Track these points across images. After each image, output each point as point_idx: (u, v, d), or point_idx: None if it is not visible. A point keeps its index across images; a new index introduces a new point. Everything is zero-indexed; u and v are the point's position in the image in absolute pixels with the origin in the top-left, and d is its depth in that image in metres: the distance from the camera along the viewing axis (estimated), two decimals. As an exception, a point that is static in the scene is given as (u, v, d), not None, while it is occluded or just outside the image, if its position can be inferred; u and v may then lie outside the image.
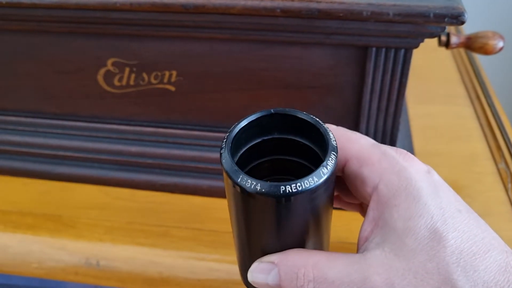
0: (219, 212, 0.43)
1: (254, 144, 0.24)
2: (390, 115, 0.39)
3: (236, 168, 0.21)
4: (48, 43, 0.40)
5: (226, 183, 0.22)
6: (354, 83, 0.38)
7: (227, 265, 0.39)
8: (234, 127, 0.23)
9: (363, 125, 0.40)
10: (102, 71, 0.41)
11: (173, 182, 0.44)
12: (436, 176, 0.22)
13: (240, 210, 0.22)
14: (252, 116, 0.23)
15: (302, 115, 0.23)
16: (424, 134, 0.51)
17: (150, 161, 0.44)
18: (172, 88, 0.41)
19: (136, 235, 0.41)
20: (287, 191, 0.20)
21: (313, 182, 0.20)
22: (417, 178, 0.21)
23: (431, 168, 0.23)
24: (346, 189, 0.25)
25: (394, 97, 0.38)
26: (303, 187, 0.20)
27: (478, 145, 0.50)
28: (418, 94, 0.57)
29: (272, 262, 0.23)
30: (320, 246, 0.25)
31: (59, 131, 0.45)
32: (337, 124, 0.40)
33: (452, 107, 0.55)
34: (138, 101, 0.43)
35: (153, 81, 0.41)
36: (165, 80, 0.41)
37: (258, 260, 0.23)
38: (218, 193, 0.44)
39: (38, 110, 0.45)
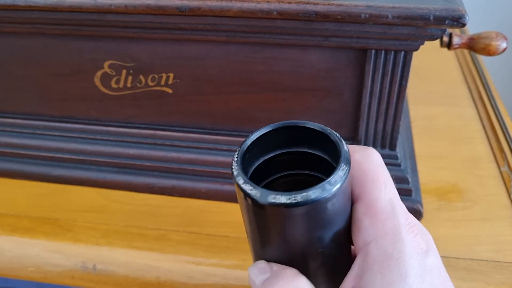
0: (217, 215, 0.42)
1: (267, 159, 0.23)
2: (389, 118, 0.39)
3: (246, 178, 0.20)
4: (45, 46, 0.40)
5: (238, 196, 0.21)
6: (353, 86, 0.38)
7: (224, 269, 0.38)
8: (245, 141, 0.22)
9: (362, 128, 0.39)
10: (99, 73, 0.41)
11: (171, 185, 0.44)
12: (430, 259, 0.21)
13: (252, 220, 0.22)
14: (262, 130, 0.22)
15: (312, 125, 0.22)
16: (425, 136, 0.50)
17: (147, 163, 0.44)
18: (169, 91, 0.41)
19: (133, 239, 0.41)
20: (293, 200, 0.19)
21: (320, 192, 0.19)
22: (410, 256, 0.21)
23: (432, 249, 0.22)
24: None
25: (393, 100, 0.38)
26: (311, 197, 0.19)
27: (480, 148, 0.49)
28: (420, 95, 0.56)
29: (267, 269, 0.22)
30: (338, 262, 0.24)
31: (57, 133, 0.45)
32: (336, 127, 0.40)
33: (454, 108, 0.54)
34: (135, 103, 0.42)
35: (150, 83, 0.41)
36: (162, 83, 0.41)
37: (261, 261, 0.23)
38: (216, 196, 0.43)
39: (35, 112, 0.45)
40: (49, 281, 0.40)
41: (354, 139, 0.41)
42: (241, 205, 0.22)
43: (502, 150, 0.48)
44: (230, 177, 0.43)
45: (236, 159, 0.21)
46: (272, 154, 0.23)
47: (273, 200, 0.19)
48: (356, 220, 0.22)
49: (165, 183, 0.44)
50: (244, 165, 0.21)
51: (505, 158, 0.47)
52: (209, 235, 0.41)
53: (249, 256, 0.24)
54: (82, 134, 0.45)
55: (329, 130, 0.22)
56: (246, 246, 0.22)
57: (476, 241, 0.40)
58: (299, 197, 0.19)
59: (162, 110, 0.42)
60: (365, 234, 0.22)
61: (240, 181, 0.20)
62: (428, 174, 0.46)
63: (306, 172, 0.24)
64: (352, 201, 0.23)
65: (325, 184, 0.20)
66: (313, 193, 0.19)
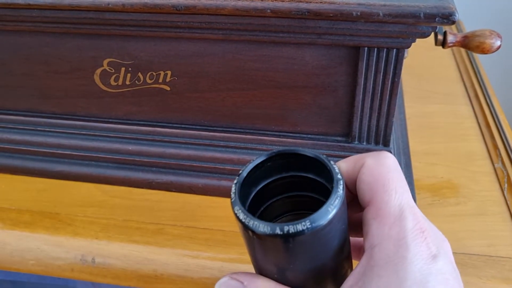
0: (213, 210, 0.43)
1: (264, 184, 0.24)
2: (383, 114, 0.39)
3: (245, 212, 0.21)
4: (44, 44, 0.41)
5: (237, 223, 0.22)
6: (346, 83, 0.38)
7: (220, 263, 0.39)
8: (242, 171, 0.23)
9: (356, 125, 0.40)
10: (99, 71, 0.42)
11: (169, 180, 0.45)
12: (439, 265, 0.21)
13: (252, 249, 0.23)
14: (257, 159, 0.24)
15: (305, 152, 0.23)
16: (421, 133, 0.51)
17: (146, 159, 0.45)
18: (167, 88, 0.42)
19: (131, 233, 0.41)
20: (290, 231, 0.20)
21: (314, 221, 0.20)
22: (411, 261, 0.20)
23: (444, 255, 0.22)
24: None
25: (386, 96, 0.38)
26: (308, 226, 0.20)
27: (475, 145, 0.50)
28: (416, 93, 0.57)
29: (242, 282, 0.23)
30: (334, 276, 0.24)
31: (57, 129, 0.46)
32: (330, 123, 0.41)
33: (450, 106, 0.55)
34: (134, 100, 0.43)
35: (148, 81, 0.42)
36: (160, 80, 0.41)
37: (229, 275, 0.24)
38: (213, 192, 0.44)
39: (36, 109, 0.46)
40: (49, 274, 0.41)
41: (348, 136, 0.41)
42: (240, 232, 0.23)
43: (496, 147, 0.49)
44: (226, 173, 0.44)
45: (234, 190, 0.22)
46: (269, 180, 0.24)
47: (265, 231, 0.20)
48: (365, 224, 0.23)
49: (163, 178, 0.45)
50: (242, 193, 0.23)
51: (499, 155, 0.48)
52: (206, 229, 0.41)
53: (245, 249, 0.24)
54: (82, 131, 0.45)
55: (322, 156, 0.23)
56: (242, 240, 0.23)
57: (469, 236, 0.40)
58: (291, 228, 0.20)
59: (160, 107, 0.43)
60: (372, 237, 0.22)
61: (238, 211, 0.21)
62: (422, 170, 0.46)
63: (304, 193, 0.25)
64: (364, 206, 0.23)
65: (316, 214, 0.20)
66: (303, 225, 0.20)
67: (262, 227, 0.20)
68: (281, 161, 0.24)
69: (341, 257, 0.23)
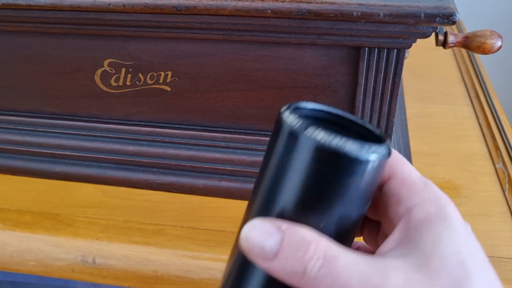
0: (214, 211, 0.43)
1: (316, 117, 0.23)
2: (383, 115, 0.39)
3: (292, 111, 0.20)
4: (45, 44, 0.41)
5: (274, 131, 0.21)
6: (347, 83, 0.38)
7: (221, 263, 0.39)
8: (302, 104, 0.22)
9: (357, 125, 0.40)
10: (99, 71, 0.42)
11: (169, 181, 0.45)
12: (469, 228, 0.22)
13: (283, 157, 0.21)
14: (316, 104, 0.23)
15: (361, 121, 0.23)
16: (422, 133, 0.51)
17: (146, 160, 0.45)
18: (168, 88, 0.42)
19: (132, 234, 0.41)
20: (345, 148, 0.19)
21: (374, 151, 0.20)
22: (454, 217, 0.21)
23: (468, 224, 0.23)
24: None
25: (387, 97, 0.38)
26: (385, 151, 0.20)
27: (476, 145, 0.50)
28: (417, 93, 0.57)
29: (279, 227, 0.20)
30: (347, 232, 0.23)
31: (58, 130, 0.46)
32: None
33: (451, 106, 0.55)
34: (134, 101, 0.43)
35: (149, 81, 0.42)
36: (161, 81, 0.41)
37: (262, 218, 0.21)
38: (213, 192, 0.44)
39: (37, 109, 0.46)
40: (49, 274, 0.41)
41: (349, 136, 0.41)
42: (274, 142, 0.21)
43: (497, 148, 0.48)
44: (227, 173, 0.44)
45: (296, 116, 0.21)
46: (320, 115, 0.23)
47: (353, 149, 0.19)
48: (393, 194, 0.23)
49: (164, 179, 0.45)
50: (295, 110, 0.22)
51: (500, 155, 0.48)
52: (206, 229, 0.41)
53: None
54: (82, 131, 0.45)
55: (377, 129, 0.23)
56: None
57: (469, 236, 0.40)
58: (383, 150, 0.20)
59: (161, 108, 0.43)
60: (406, 202, 0.22)
61: (315, 130, 0.20)
62: (423, 171, 0.46)
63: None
64: (383, 182, 0.23)
65: (371, 145, 0.20)
66: (384, 149, 0.20)
67: (350, 144, 0.19)
68: (336, 118, 0.23)
69: (362, 216, 0.23)
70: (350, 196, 0.21)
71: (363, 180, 0.21)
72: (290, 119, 0.21)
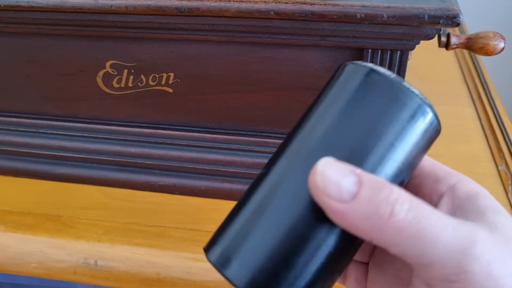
0: (216, 212, 0.43)
1: None
2: (386, 117, 0.39)
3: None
4: (47, 46, 0.41)
5: (355, 79, 0.21)
6: (350, 85, 0.38)
7: (223, 266, 0.39)
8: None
9: (359, 127, 0.40)
10: (101, 73, 0.42)
11: (171, 183, 0.44)
12: None
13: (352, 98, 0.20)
14: None
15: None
16: (424, 135, 0.51)
17: (148, 161, 0.45)
18: (170, 90, 0.42)
19: (134, 236, 0.41)
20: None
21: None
22: (495, 201, 0.21)
23: None
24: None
25: (390, 99, 0.38)
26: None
27: (478, 147, 0.49)
28: (419, 95, 0.57)
29: (353, 170, 0.18)
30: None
31: (60, 132, 0.46)
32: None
33: (453, 107, 0.55)
34: (136, 102, 0.43)
35: (151, 83, 0.41)
36: (163, 82, 0.41)
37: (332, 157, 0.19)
38: (215, 194, 0.44)
39: (38, 111, 0.46)
40: (51, 276, 0.40)
41: (351, 138, 0.41)
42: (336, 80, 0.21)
43: (500, 149, 0.48)
44: (229, 175, 0.43)
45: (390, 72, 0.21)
46: None
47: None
48: (430, 175, 0.23)
49: (166, 181, 0.45)
50: None
51: (503, 157, 0.47)
52: (209, 232, 0.41)
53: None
54: (84, 133, 0.45)
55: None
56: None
57: (472, 238, 0.40)
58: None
59: (163, 109, 0.43)
60: (445, 181, 0.22)
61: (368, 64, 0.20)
62: (426, 173, 0.46)
63: None
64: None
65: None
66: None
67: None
68: None
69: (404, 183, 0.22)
70: (413, 151, 0.20)
71: (426, 138, 0.21)
72: (383, 70, 0.20)
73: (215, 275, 0.39)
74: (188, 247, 0.40)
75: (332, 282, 0.21)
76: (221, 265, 0.20)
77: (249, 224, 0.20)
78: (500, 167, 0.47)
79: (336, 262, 0.20)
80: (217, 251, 0.20)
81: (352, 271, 0.26)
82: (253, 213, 0.20)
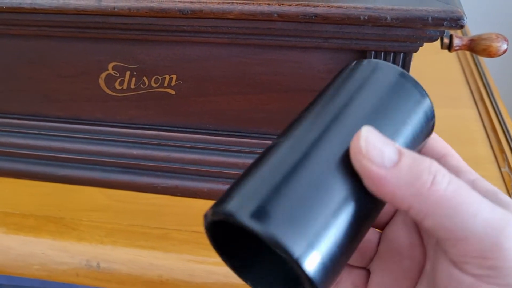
0: (219, 215, 0.43)
1: None
2: (389, 119, 0.39)
3: None
4: (50, 48, 0.41)
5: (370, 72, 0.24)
6: (353, 87, 0.38)
7: (226, 268, 0.38)
8: None
9: (362, 129, 0.40)
10: (104, 74, 0.42)
11: (174, 184, 0.44)
12: None
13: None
14: None
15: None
16: (427, 137, 0.51)
17: (151, 163, 0.44)
18: (173, 92, 0.42)
19: (136, 238, 0.41)
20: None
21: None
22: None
23: None
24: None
25: (393, 101, 0.38)
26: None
27: (481, 149, 0.49)
28: (422, 97, 0.56)
29: (391, 142, 0.19)
30: None
31: (62, 133, 0.46)
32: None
33: (455, 109, 0.55)
34: (139, 104, 0.43)
35: (153, 84, 0.41)
36: (166, 84, 0.41)
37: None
38: (218, 196, 0.44)
39: (41, 113, 0.46)
40: (53, 279, 0.40)
41: (354, 140, 0.41)
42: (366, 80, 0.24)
43: (503, 151, 0.48)
44: (232, 177, 0.43)
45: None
46: None
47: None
48: (453, 167, 0.23)
49: (168, 183, 0.44)
50: None
51: (506, 159, 0.47)
52: (211, 234, 0.41)
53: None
54: (87, 135, 0.45)
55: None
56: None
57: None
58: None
59: (166, 111, 0.43)
60: (467, 175, 0.22)
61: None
62: (428, 175, 0.46)
63: None
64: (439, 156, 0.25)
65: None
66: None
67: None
68: None
69: None
70: (420, 134, 0.23)
71: (429, 127, 0.24)
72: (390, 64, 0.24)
73: (218, 278, 0.39)
74: (190, 249, 0.40)
75: (351, 252, 0.20)
76: (257, 219, 0.18)
77: (282, 182, 0.19)
78: (503, 169, 0.47)
79: (357, 231, 0.20)
80: (249, 208, 0.18)
81: (349, 276, 0.25)
82: (285, 173, 0.19)
